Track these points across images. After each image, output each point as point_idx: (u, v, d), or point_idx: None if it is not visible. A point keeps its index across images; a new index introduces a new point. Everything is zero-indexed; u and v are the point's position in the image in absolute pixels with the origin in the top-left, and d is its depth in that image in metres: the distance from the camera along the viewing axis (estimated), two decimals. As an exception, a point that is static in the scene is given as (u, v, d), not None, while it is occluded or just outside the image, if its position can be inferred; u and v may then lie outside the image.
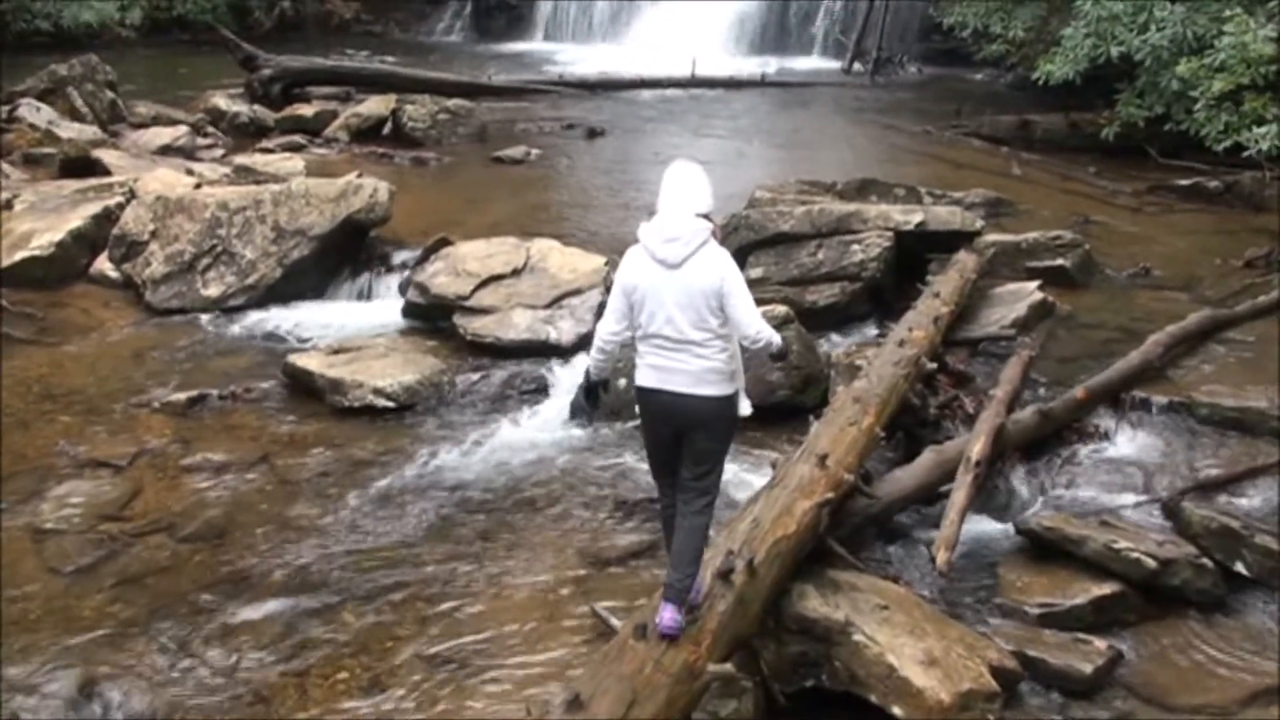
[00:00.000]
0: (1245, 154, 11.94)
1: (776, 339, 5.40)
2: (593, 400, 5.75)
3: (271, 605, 6.67)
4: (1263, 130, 10.72)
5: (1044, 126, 17.53)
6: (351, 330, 10.60)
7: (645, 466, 8.21)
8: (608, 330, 5.40)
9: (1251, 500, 7.46)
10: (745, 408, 5.44)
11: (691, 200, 5.25)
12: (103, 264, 11.64)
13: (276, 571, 7.00)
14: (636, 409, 5.44)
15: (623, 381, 9.04)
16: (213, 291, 11.15)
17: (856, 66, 23.72)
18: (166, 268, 11.27)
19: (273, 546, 7.27)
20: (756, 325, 5.24)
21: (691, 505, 5.29)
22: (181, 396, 9.14)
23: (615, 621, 5.96)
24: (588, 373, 5.65)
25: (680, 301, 5.15)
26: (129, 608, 6.62)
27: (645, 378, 5.28)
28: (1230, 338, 9.57)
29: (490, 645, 6.34)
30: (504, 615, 6.60)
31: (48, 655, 6.16)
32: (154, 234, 11.54)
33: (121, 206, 12.03)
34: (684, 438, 5.28)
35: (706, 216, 5.27)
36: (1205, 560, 6.82)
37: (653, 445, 5.48)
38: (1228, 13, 14.04)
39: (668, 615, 5.17)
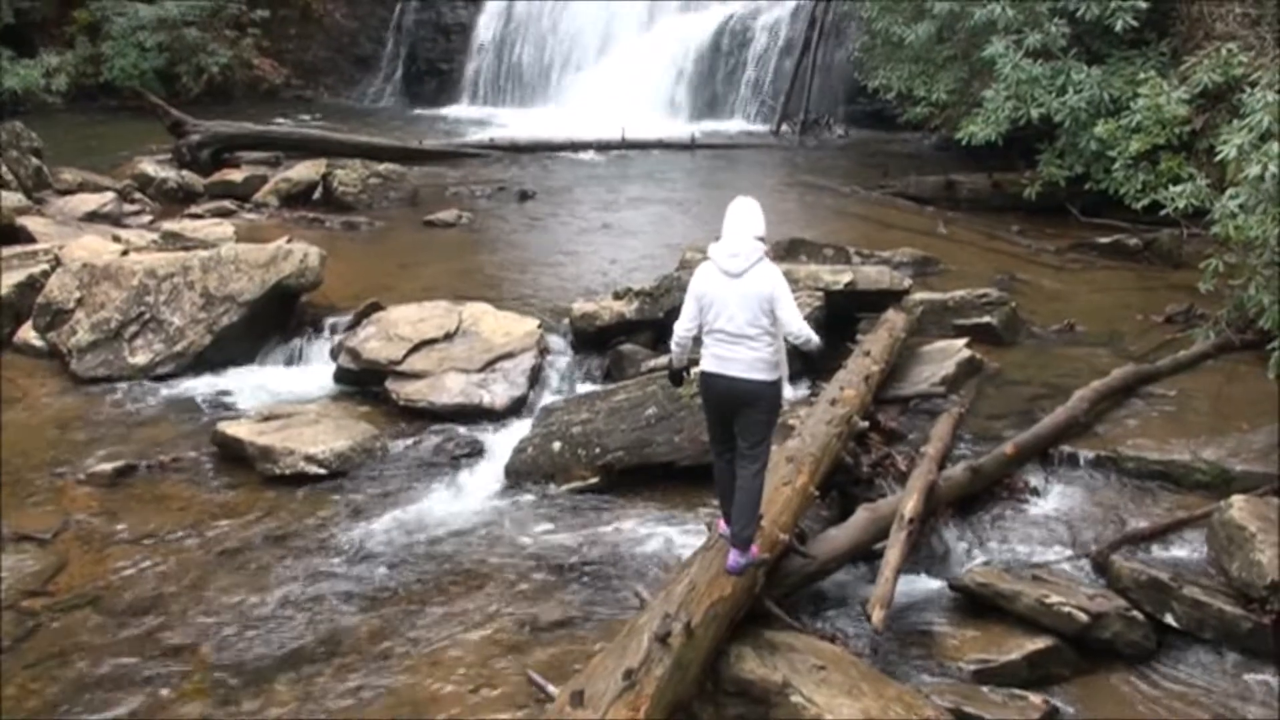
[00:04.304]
0: (1163, 212, 12.20)
1: (816, 339, 6.57)
2: (677, 382, 6.94)
3: (202, 678, 6.55)
4: (1179, 189, 10.99)
5: (968, 186, 17.80)
6: (282, 397, 10.50)
7: (579, 530, 8.27)
8: (682, 328, 6.52)
9: (1179, 552, 7.59)
10: (791, 391, 6.53)
11: (749, 226, 6.41)
12: (27, 333, 11.46)
13: (206, 644, 6.88)
14: (698, 392, 6.69)
15: (556, 445, 9.05)
16: (140, 359, 11.01)
17: (784, 129, 24.00)
18: (93, 336, 11.12)
19: (203, 618, 7.14)
20: (799, 325, 6.37)
21: (747, 470, 6.36)
22: (108, 467, 9.00)
23: (551, 689, 5.91)
24: (671, 363, 6.81)
25: (739, 304, 6.25)
26: (54, 685, 6.47)
27: (708, 364, 6.37)
28: (1153, 392, 9.79)
29: (425, 715, 6.26)
30: (439, 684, 6.53)
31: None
32: (80, 302, 11.38)
33: (46, 274, 11.87)
34: (736, 415, 6.34)
35: (760, 239, 6.39)
36: (1135, 613, 6.93)
37: (712, 419, 6.55)
38: (1142, 76, 14.47)
39: (732, 558, 6.32)
